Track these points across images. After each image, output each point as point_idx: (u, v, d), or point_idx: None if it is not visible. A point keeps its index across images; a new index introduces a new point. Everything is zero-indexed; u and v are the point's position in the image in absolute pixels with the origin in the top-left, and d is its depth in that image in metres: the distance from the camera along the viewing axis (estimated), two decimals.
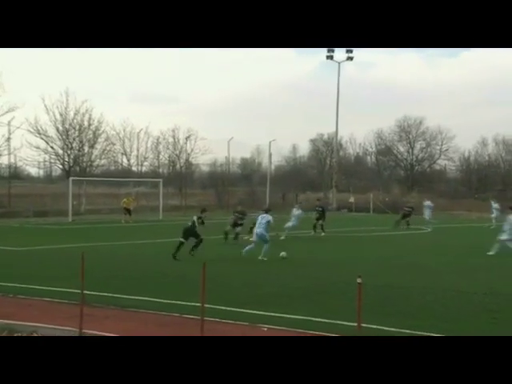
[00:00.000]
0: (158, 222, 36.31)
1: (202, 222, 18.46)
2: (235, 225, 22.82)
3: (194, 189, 56.63)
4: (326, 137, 71.46)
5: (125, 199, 37.10)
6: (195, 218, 18.60)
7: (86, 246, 20.90)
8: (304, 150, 74.94)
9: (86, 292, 8.89)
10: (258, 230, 17.90)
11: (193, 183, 60.62)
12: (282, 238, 23.70)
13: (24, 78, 79.51)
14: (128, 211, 36.31)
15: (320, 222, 26.44)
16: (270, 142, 53.29)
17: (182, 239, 17.93)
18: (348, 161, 72.74)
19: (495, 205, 33.09)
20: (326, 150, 72.24)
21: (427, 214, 32.39)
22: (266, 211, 18.57)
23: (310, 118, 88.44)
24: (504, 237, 13.65)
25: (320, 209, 26.84)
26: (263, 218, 17.96)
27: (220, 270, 14.21)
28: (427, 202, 33.69)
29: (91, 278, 10.87)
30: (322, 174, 66.79)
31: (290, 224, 24.75)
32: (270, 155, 54.56)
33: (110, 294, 11.58)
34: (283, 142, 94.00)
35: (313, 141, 73.26)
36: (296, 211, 25.22)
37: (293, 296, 11.71)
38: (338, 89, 48.40)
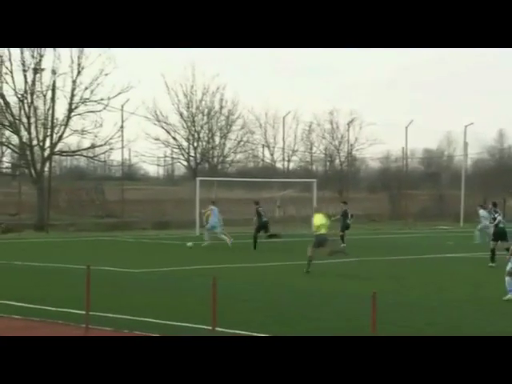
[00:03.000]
0: (311, 238, 36.49)
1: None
2: None
3: (360, 192, 56.43)
4: None
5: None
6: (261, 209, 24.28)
7: (217, 268, 21.50)
8: None
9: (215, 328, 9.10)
10: None
11: (357, 185, 60.48)
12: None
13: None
14: None
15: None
16: (465, 127, 51.77)
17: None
18: None
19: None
20: None
21: None
22: None
23: None
24: None
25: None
26: None
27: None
28: None
29: (233, 311, 11.08)
30: None
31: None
32: (466, 145, 52.98)
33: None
34: (485, 127, 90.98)
35: None
36: None
37: None
38: None
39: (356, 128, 56.38)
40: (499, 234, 23.05)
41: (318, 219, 21.05)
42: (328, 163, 59.59)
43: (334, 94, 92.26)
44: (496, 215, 23.49)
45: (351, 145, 56.58)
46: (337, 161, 58.41)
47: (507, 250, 22.55)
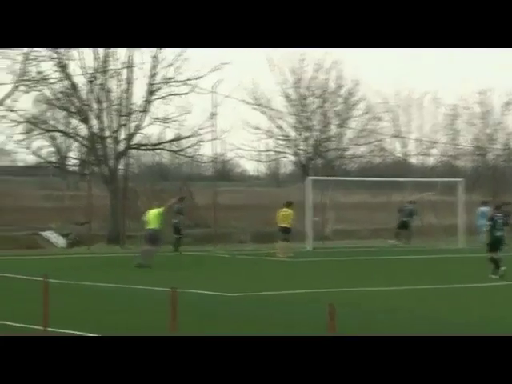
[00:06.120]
0: (453, 254, 36.04)
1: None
2: None
3: None
4: None
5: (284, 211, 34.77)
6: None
7: (332, 292, 21.54)
8: None
9: None
10: None
11: None
12: None
13: None
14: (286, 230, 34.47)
15: None
16: None
17: None
18: None
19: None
20: None
21: None
22: None
23: None
24: None
25: None
26: None
27: None
28: None
29: None
30: None
31: None
32: None
33: None
34: None
35: None
36: None
37: None
38: None
39: None
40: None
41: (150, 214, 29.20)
42: (478, 158, 58.63)
43: (486, 69, 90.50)
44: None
45: (508, 134, 55.52)
46: (490, 154, 57.38)
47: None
